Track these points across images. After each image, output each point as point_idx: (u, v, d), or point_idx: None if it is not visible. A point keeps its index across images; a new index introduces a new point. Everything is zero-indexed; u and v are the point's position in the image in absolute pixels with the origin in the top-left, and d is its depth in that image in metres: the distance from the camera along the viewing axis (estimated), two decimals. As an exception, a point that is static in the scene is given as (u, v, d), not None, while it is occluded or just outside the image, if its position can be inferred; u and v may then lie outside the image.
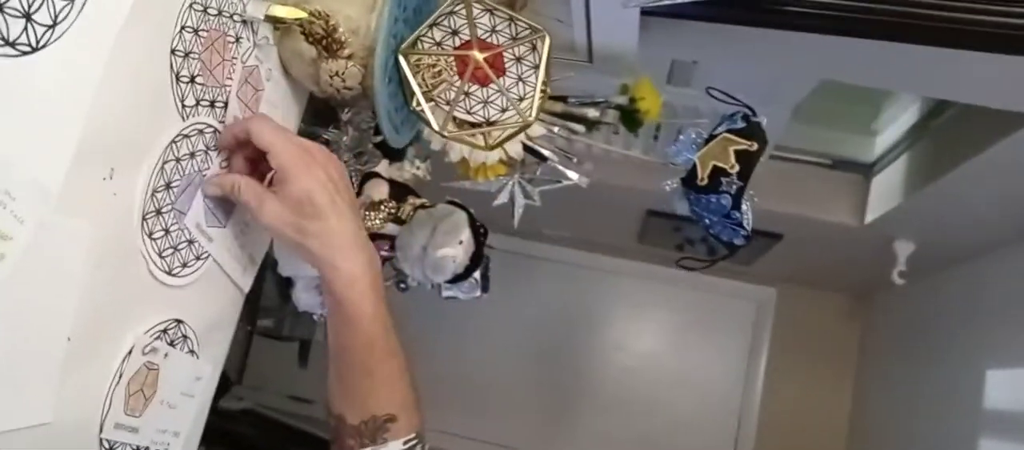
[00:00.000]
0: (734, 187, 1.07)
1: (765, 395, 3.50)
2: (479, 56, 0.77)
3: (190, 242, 0.72)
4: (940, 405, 2.65)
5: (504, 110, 0.85)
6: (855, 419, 3.35)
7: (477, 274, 1.15)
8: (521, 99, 0.84)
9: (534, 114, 0.79)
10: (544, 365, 3.64)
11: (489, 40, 0.80)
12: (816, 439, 3.36)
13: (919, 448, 2.73)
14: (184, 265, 0.71)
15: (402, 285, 1.17)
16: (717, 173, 1.08)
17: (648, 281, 3.66)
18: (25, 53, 0.50)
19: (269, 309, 1.02)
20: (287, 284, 1.03)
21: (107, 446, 0.66)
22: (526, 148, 1.12)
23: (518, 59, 0.82)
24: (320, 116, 1.05)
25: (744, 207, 1.10)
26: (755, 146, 1.07)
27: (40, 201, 0.53)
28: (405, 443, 0.75)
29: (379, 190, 1.08)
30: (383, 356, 0.73)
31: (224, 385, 3.54)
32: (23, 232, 0.52)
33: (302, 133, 1.00)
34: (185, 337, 0.75)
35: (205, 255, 0.74)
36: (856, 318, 3.48)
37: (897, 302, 3.12)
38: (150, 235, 0.66)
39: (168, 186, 0.67)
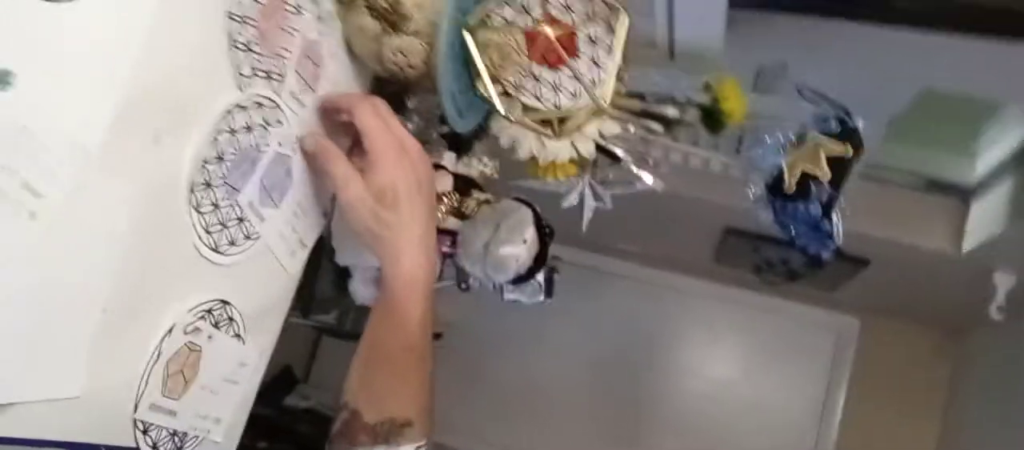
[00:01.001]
0: (825, 196, 0.99)
1: (842, 433, 3.32)
2: (550, 32, 0.72)
3: (240, 220, 0.68)
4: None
5: (575, 96, 0.79)
6: (940, 462, 3.13)
7: (541, 277, 1.09)
8: (595, 83, 0.78)
9: (608, 99, 0.73)
10: (610, 383, 3.54)
11: (562, 19, 0.75)
12: (897, 480, 3.17)
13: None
14: (232, 243, 0.68)
15: (464, 285, 1.12)
16: (806, 180, 1.00)
17: (723, 303, 3.53)
18: None
19: (325, 301, 1.00)
20: (344, 275, 1.00)
21: (141, 428, 0.63)
22: (599, 148, 1.06)
23: (592, 40, 0.77)
24: (388, 102, 1.02)
25: (835, 218, 1.01)
26: (850, 151, 0.99)
27: (78, 159, 0.50)
28: (417, 449, 0.73)
29: (442, 182, 1.03)
30: (418, 362, 0.72)
31: (290, 383, 3.59)
32: (57, 190, 0.49)
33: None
34: (231, 320, 0.71)
35: (255, 235, 0.71)
36: (947, 355, 3.26)
37: (993, 340, 2.91)
38: (197, 208, 0.62)
39: (220, 158, 0.64)
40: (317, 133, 0.74)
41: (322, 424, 3.30)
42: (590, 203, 1.12)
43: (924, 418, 3.22)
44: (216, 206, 0.65)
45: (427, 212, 0.73)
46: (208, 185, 0.63)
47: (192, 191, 0.61)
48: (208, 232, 0.65)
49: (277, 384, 3.45)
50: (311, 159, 0.74)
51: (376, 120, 0.70)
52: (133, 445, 0.63)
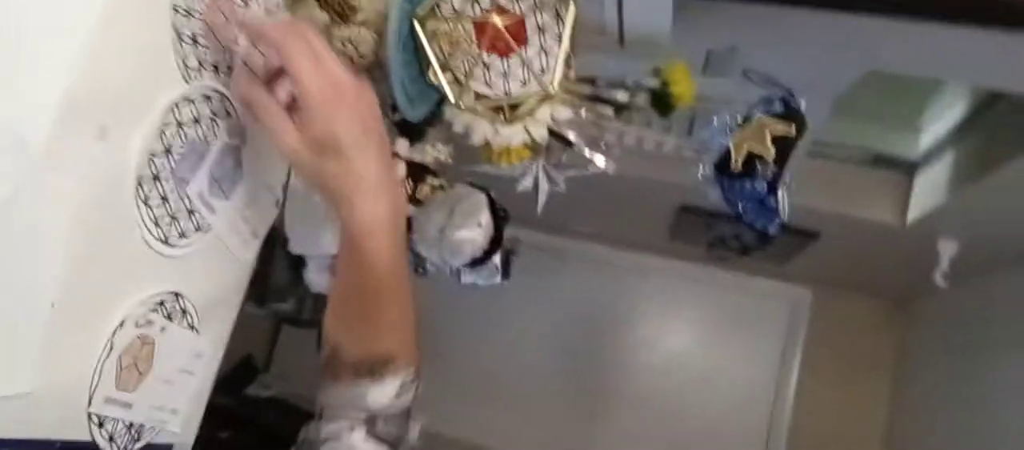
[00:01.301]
0: (770, 173, 1.02)
1: (797, 400, 3.40)
2: (499, 22, 0.72)
3: (190, 212, 0.68)
4: (983, 416, 2.55)
5: (525, 83, 0.80)
6: (891, 429, 3.24)
7: (497, 259, 1.11)
8: (543, 71, 0.79)
9: (556, 85, 0.74)
10: (569, 362, 3.58)
11: (510, 8, 0.76)
12: (850, 447, 3.26)
13: (958, 460, 2.63)
14: (182, 235, 0.68)
15: (421, 270, 1.13)
16: (752, 159, 1.02)
17: (678, 279, 3.58)
18: (5, -4, 0.47)
19: (281, 290, 1.00)
20: (298, 263, 1.00)
21: (97, 420, 0.63)
22: (551, 132, 1.07)
23: (541, 29, 0.78)
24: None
25: (780, 194, 1.04)
26: (794, 131, 1.02)
27: (20, 155, 0.50)
28: (403, 384, 0.70)
29: (396, 170, 1.04)
30: (391, 301, 0.69)
31: (251, 373, 3.56)
32: (1, 188, 0.48)
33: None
34: (184, 311, 0.71)
35: (206, 227, 0.71)
36: (895, 322, 3.36)
37: (939, 306, 3.01)
38: (145, 201, 0.62)
39: (168, 151, 0.64)
40: (246, 79, 0.67)
41: (284, 412, 3.29)
42: (544, 186, 1.14)
43: (875, 383, 3.32)
44: (165, 199, 0.65)
45: (377, 151, 0.67)
46: (156, 178, 0.63)
47: (140, 185, 0.61)
48: (157, 225, 0.65)
49: (238, 374, 3.42)
50: (244, 108, 0.69)
51: (303, 61, 0.62)
52: (88, 439, 0.63)
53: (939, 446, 2.80)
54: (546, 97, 0.79)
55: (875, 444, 3.25)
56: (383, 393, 0.69)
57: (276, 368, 3.69)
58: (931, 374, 3.03)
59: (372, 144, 0.66)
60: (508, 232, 1.16)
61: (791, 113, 1.04)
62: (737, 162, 1.03)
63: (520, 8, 0.76)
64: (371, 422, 0.69)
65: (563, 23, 0.76)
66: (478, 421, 3.43)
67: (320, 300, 1.26)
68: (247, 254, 0.79)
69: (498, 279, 1.18)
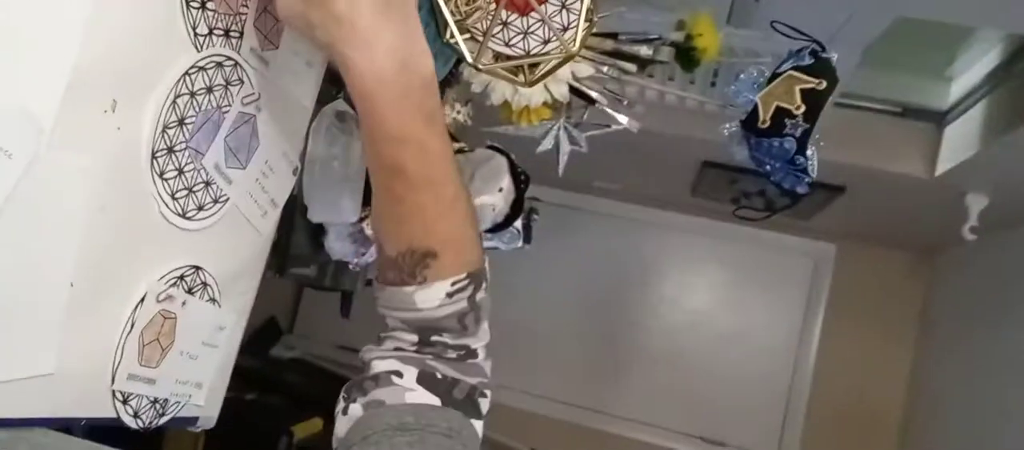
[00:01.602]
0: (799, 130, 0.99)
1: (820, 354, 3.39)
2: (518, -22, 0.70)
3: (207, 184, 0.67)
4: (1007, 370, 2.52)
5: (546, 42, 0.77)
6: (914, 382, 3.22)
7: (518, 224, 1.09)
8: (565, 29, 0.76)
9: (578, 45, 0.71)
10: (594, 319, 3.59)
11: (530, -37, 0.73)
12: (872, 401, 3.25)
13: (982, 415, 2.61)
14: (200, 208, 0.67)
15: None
16: (780, 114, 0.99)
17: (701, 235, 3.55)
18: (7, -34, 0.45)
19: (302, 257, 0.99)
20: (318, 232, 0.99)
21: (121, 398, 0.63)
22: (573, 90, 1.05)
23: (562, -16, 0.75)
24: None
25: (809, 152, 1.01)
26: (823, 84, 0.98)
27: (31, 133, 0.48)
28: (453, 284, 0.63)
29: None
30: (417, 184, 0.61)
31: (275, 334, 3.60)
32: (12, 168, 0.47)
33: (334, 72, 0.95)
34: (205, 284, 0.70)
35: (224, 198, 0.69)
36: (920, 277, 3.32)
37: (965, 261, 2.96)
38: (161, 175, 0.61)
39: (181, 122, 0.62)
40: None
41: (308, 373, 3.33)
42: (565, 147, 1.11)
43: (899, 338, 3.30)
44: (180, 171, 0.63)
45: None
46: (170, 150, 0.62)
47: (154, 157, 0.60)
48: (174, 198, 0.63)
49: (262, 335, 3.46)
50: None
51: None
52: (113, 415, 0.63)
53: (962, 401, 2.78)
54: (568, 57, 0.76)
55: (898, 397, 3.24)
56: (429, 297, 0.63)
57: (299, 329, 3.73)
58: (955, 327, 3.00)
59: None
60: (528, 193, 1.14)
61: (821, 65, 1.00)
62: (765, 119, 1.00)
63: (540, -36, 0.73)
64: (424, 340, 0.65)
65: (585, -22, 0.73)
66: (501, 379, 3.45)
67: (341, 267, 1.25)
68: (266, 224, 0.78)
69: (520, 243, 1.17)
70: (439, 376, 0.64)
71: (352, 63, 0.57)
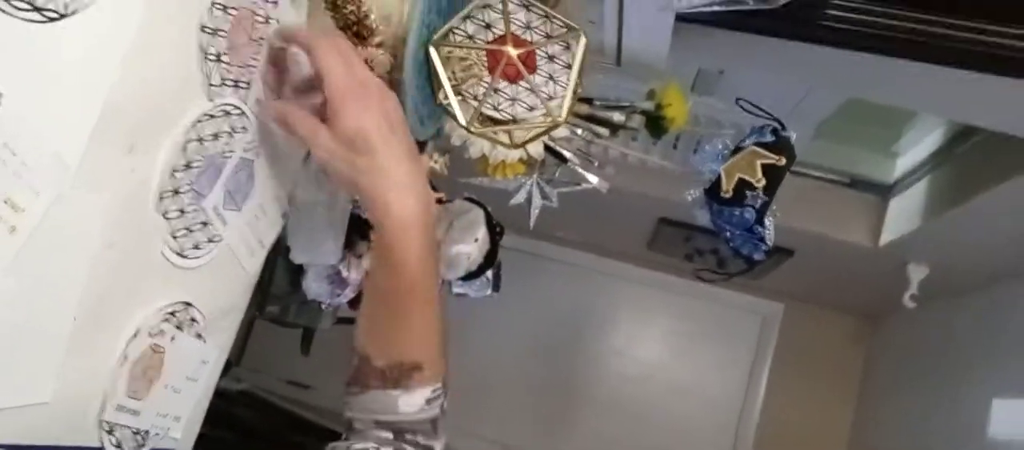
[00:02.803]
0: (759, 201, 1.05)
1: (765, 410, 3.47)
2: (513, 51, 0.75)
3: (205, 224, 0.70)
4: (944, 432, 2.62)
5: (531, 108, 0.82)
6: (854, 442, 3.31)
7: (489, 273, 1.13)
8: (551, 98, 0.81)
9: (565, 114, 0.76)
10: (546, 365, 3.62)
11: (523, 36, 0.78)
12: (814, 460, 3.33)
13: (918, 475, 2.70)
14: (196, 247, 0.69)
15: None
16: (743, 186, 1.06)
17: (655, 289, 3.63)
18: (52, 20, 0.48)
19: (278, 296, 1.01)
20: (298, 272, 1.01)
21: (107, 428, 0.64)
22: (547, 148, 1.10)
23: (551, 57, 0.80)
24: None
25: (767, 222, 1.08)
26: (783, 160, 1.05)
27: (58, 173, 0.51)
28: (433, 392, 0.72)
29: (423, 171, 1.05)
30: (422, 303, 0.70)
31: (225, 367, 3.54)
32: (38, 205, 0.50)
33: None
34: (193, 320, 0.73)
35: (218, 238, 0.72)
36: (862, 340, 3.45)
37: (906, 326, 3.09)
38: (165, 215, 0.64)
39: (188, 166, 0.65)
40: (275, 102, 0.72)
41: (257, 407, 3.28)
42: (537, 201, 1.16)
43: (841, 396, 3.40)
44: (182, 212, 0.66)
45: (406, 149, 0.68)
46: (176, 192, 0.64)
47: (161, 198, 0.63)
48: (174, 237, 0.66)
49: (211, 365, 3.39)
50: (279, 124, 0.72)
51: (334, 59, 0.66)
52: (98, 445, 0.65)
53: (901, 461, 2.88)
54: (555, 125, 0.81)
55: (839, 456, 3.33)
56: (412, 402, 0.70)
57: (248, 363, 3.67)
58: (895, 390, 3.11)
59: (399, 142, 0.68)
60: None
61: (782, 143, 1.08)
62: (728, 189, 1.07)
63: (533, 37, 0.78)
64: (398, 438, 0.71)
65: (573, 54, 0.78)
66: (451, 418, 3.44)
67: (303, 303, 1.27)
68: (253, 263, 0.81)
69: (489, 291, 1.21)
70: None
71: (394, 205, 0.67)
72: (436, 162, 1.25)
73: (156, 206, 0.62)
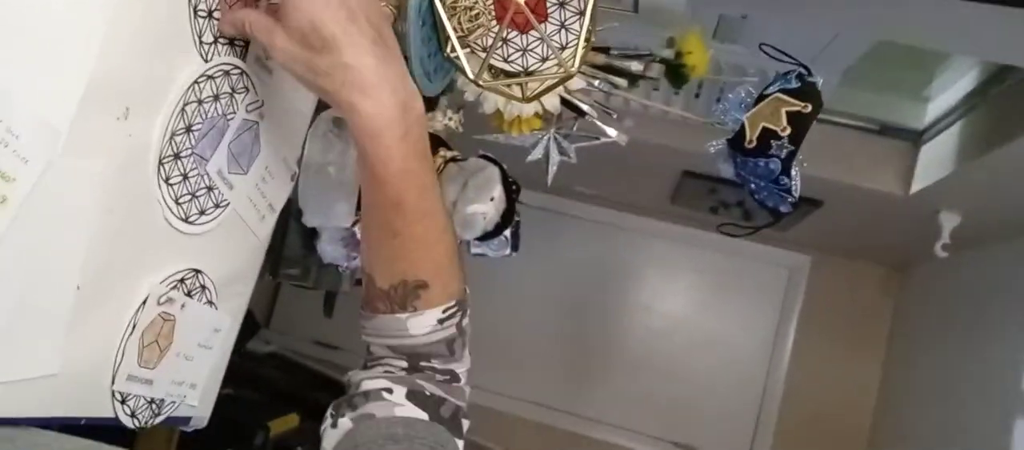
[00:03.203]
0: (784, 151, 1.01)
1: (792, 363, 3.45)
2: (520, -1, 0.71)
3: (210, 189, 0.68)
4: (973, 385, 2.58)
5: (544, 59, 0.79)
6: (883, 393, 3.29)
7: (507, 232, 1.11)
8: (563, 48, 0.78)
9: (577, 65, 0.73)
10: (571, 322, 3.61)
11: (532, -17, 0.75)
12: (842, 411, 3.31)
13: (948, 428, 2.67)
14: (202, 212, 0.68)
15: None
16: (767, 135, 1.02)
17: (679, 243, 3.60)
18: (30, -22, 0.46)
19: (293, 259, 1.00)
20: (312, 235, 1.00)
21: (119, 398, 0.63)
22: (564, 102, 1.07)
23: (561, 4, 0.77)
24: None
25: (793, 172, 1.03)
26: (809, 108, 1.01)
27: (47, 140, 0.49)
28: (445, 311, 0.67)
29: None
30: (414, 217, 0.64)
31: (252, 328, 3.59)
32: (28, 173, 0.48)
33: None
34: (203, 287, 0.71)
35: (225, 203, 0.71)
36: (891, 291, 3.39)
37: (936, 276, 3.03)
38: (167, 181, 0.62)
39: (189, 129, 0.63)
40: (230, 9, 0.64)
41: (286, 368, 3.32)
42: (555, 157, 1.13)
43: (870, 349, 3.36)
44: (185, 176, 0.64)
45: (372, 44, 0.59)
46: (177, 156, 0.63)
47: (161, 163, 0.61)
48: (178, 203, 0.64)
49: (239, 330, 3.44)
50: (237, 32, 0.65)
51: None
52: (112, 415, 0.64)
53: (929, 413, 2.84)
54: (567, 76, 0.78)
55: (867, 407, 3.31)
56: (421, 323, 0.66)
57: (276, 324, 3.72)
58: (926, 341, 3.07)
59: (361, 33, 0.59)
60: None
61: (807, 89, 1.03)
62: (752, 138, 1.03)
63: (542, -16, 0.75)
64: (413, 366, 0.67)
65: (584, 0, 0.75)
66: (479, 378, 3.46)
67: (324, 266, 1.26)
68: (264, 228, 0.79)
69: (507, 251, 1.19)
70: (428, 393, 0.67)
71: (361, 107, 0.59)
72: (450, 119, 1.22)
73: (156, 171, 0.60)
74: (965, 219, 2.39)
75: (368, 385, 0.66)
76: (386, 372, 0.67)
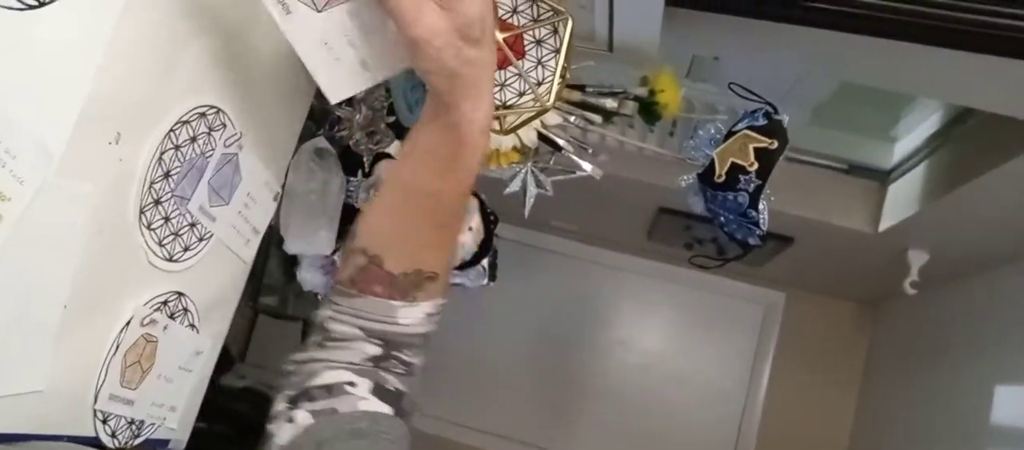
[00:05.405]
0: (752, 185, 1.05)
1: (768, 399, 3.48)
2: (499, 36, 0.75)
3: (192, 225, 0.70)
4: (946, 419, 2.62)
5: (521, 94, 0.82)
6: (858, 428, 3.32)
7: (485, 262, 1.13)
8: (539, 83, 0.81)
9: (553, 99, 0.76)
10: (548, 357, 3.62)
11: (510, 20, 0.78)
12: (817, 446, 3.34)
13: (920, 459, 2.71)
14: (186, 249, 0.70)
15: (409, 269, 1.15)
16: (735, 170, 1.05)
17: (656, 279, 3.64)
18: (31, 7, 0.48)
19: (273, 287, 1.01)
20: (292, 262, 1.01)
21: (101, 417, 0.65)
22: (541, 137, 1.10)
23: (538, 42, 0.80)
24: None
25: (761, 206, 1.07)
26: (775, 144, 1.05)
27: (42, 162, 0.51)
28: (436, 307, 0.67)
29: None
30: (459, 215, 0.66)
31: (227, 362, 3.56)
32: (22, 193, 0.50)
33: (316, 112, 0.99)
34: (186, 311, 0.73)
35: (208, 236, 0.73)
36: (864, 326, 3.45)
37: (907, 312, 3.09)
38: (149, 226, 0.64)
39: (167, 176, 0.65)
40: None
41: (258, 403, 3.29)
42: (532, 190, 1.16)
43: (844, 383, 3.40)
44: (167, 219, 0.66)
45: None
46: (157, 202, 0.64)
47: (142, 212, 0.63)
48: (161, 245, 0.66)
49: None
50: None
51: None
52: (93, 434, 0.65)
53: (902, 446, 2.88)
54: (543, 110, 0.81)
55: (842, 443, 3.33)
56: (412, 314, 0.66)
57: (252, 358, 3.69)
58: (898, 376, 3.12)
59: (494, 40, 0.61)
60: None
61: (774, 126, 1.07)
62: (721, 173, 1.06)
63: (519, 21, 0.78)
64: (385, 354, 0.65)
65: (560, 38, 0.78)
66: (451, 412, 3.45)
67: (302, 296, 1.28)
68: (248, 251, 0.81)
69: (485, 281, 1.21)
70: (390, 388, 0.65)
71: (480, 109, 0.61)
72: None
73: (138, 219, 0.62)
74: (933, 256, 2.45)
75: (329, 377, 0.64)
76: (350, 363, 0.65)
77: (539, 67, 0.82)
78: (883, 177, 2.42)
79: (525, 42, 0.80)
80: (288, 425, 0.61)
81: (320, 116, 1.01)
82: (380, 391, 0.64)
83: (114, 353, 0.64)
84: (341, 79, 0.59)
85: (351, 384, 0.63)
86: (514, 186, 1.15)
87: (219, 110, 0.71)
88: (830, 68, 1.48)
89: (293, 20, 0.56)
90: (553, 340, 3.64)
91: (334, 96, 0.59)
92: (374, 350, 0.66)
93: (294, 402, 0.63)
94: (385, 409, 0.63)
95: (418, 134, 0.63)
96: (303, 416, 0.62)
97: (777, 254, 2.90)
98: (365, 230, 0.66)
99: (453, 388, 3.45)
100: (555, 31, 0.79)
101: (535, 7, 0.77)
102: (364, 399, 0.63)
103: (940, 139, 2.14)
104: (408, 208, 0.64)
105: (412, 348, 0.67)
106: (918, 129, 2.28)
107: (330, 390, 0.63)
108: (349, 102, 0.97)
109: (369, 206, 0.68)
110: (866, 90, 1.96)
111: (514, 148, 1.10)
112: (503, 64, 0.80)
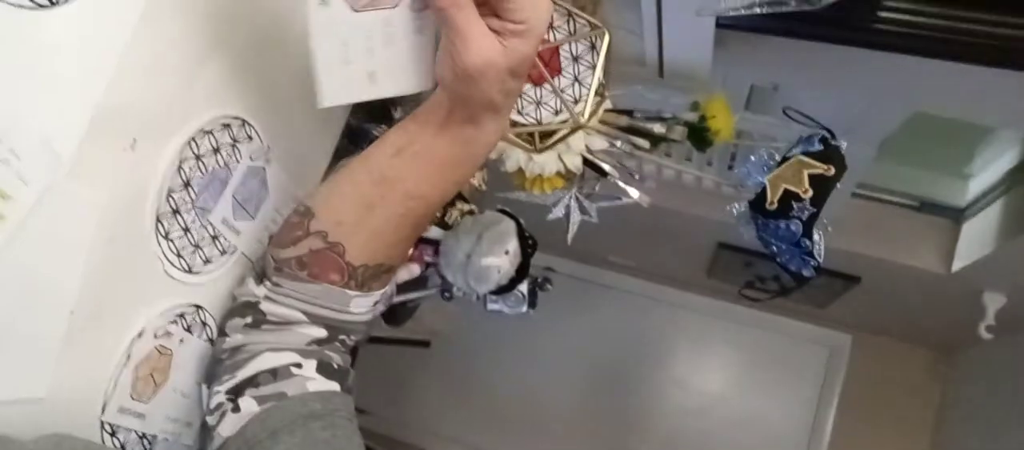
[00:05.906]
0: (805, 213, 0.99)
1: (832, 448, 3.31)
2: (531, 49, 0.72)
3: (214, 238, 0.69)
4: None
5: (557, 112, 0.79)
6: (930, 483, 3.13)
7: (524, 288, 1.10)
8: (576, 101, 0.78)
9: (587, 116, 0.73)
10: (602, 395, 3.54)
11: (545, 36, 0.75)
12: (886, 501, 3.16)
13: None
14: (207, 262, 0.68)
15: (446, 294, 1.13)
16: (788, 197, 1.00)
17: (715, 318, 3.53)
18: (42, 7, 0.47)
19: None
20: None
21: (109, 430, 0.63)
22: (586, 162, 1.07)
23: (575, 58, 0.77)
24: (372, 113, 1.02)
25: (816, 236, 1.01)
26: (832, 171, 0.99)
27: (49, 164, 0.50)
28: (382, 294, 0.68)
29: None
30: (431, 217, 0.67)
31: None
32: (27, 194, 0.49)
33: (352, 129, 0.98)
34: (204, 324, 0.71)
35: (231, 249, 0.71)
36: (936, 373, 3.26)
37: (982, 359, 2.91)
38: (166, 236, 0.63)
39: (187, 185, 0.64)
40: None
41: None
42: (576, 216, 1.13)
43: (915, 434, 3.22)
44: (186, 230, 0.65)
45: None
46: (176, 212, 0.63)
47: (159, 221, 0.62)
48: (180, 256, 0.65)
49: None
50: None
51: None
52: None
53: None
54: (577, 127, 0.78)
55: (912, 499, 3.15)
56: (363, 303, 0.66)
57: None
58: (972, 427, 2.93)
59: None
60: (543, 261, 1.15)
61: (830, 152, 1.01)
62: (773, 200, 1.01)
63: (555, 37, 0.76)
64: (330, 337, 0.66)
65: (597, 53, 0.75)
66: (502, 445, 3.40)
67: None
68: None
69: (524, 308, 1.17)
70: (335, 366, 0.65)
71: (503, 126, 0.62)
72: (474, 177, 1.23)
73: (155, 229, 0.61)
74: (1010, 299, 2.30)
75: (273, 360, 0.63)
76: (291, 346, 0.65)
77: (576, 84, 0.79)
78: (957, 215, 2.29)
79: (561, 59, 0.78)
80: (232, 415, 0.61)
81: (358, 134, 1.00)
82: (326, 369, 0.63)
83: (125, 363, 0.62)
84: (340, 83, 0.57)
85: (297, 365, 0.63)
86: (558, 211, 1.12)
87: (245, 122, 0.70)
88: (895, 96, 1.41)
89: (324, 12, 0.54)
90: (608, 377, 3.56)
91: (325, 100, 0.57)
92: (318, 333, 0.65)
93: (237, 391, 0.62)
94: (333, 386, 0.63)
95: (419, 137, 0.62)
96: (248, 403, 0.61)
97: (843, 294, 2.78)
98: (327, 215, 0.64)
99: (503, 424, 3.40)
100: (593, 47, 0.76)
101: (571, 22, 0.75)
102: (312, 379, 0.62)
103: (1018, 175, 2.02)
104: (387, 206, 0.63)
105: (357, 333, 0.68)
106: (995, 164, 2.16)
107: (275, 374, 0.62)
108: (386, 121, 0.96)
109: (333, 190, 0.65)
110: (938, 122, 1.86)
111: (558, 173, 1.07)
112: (539, 81, 0.77)
